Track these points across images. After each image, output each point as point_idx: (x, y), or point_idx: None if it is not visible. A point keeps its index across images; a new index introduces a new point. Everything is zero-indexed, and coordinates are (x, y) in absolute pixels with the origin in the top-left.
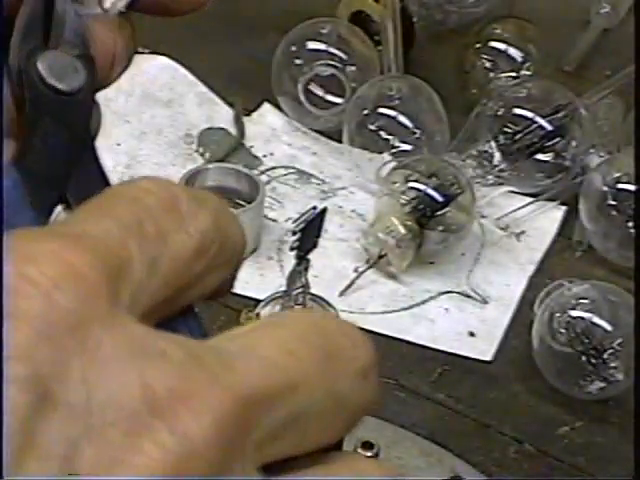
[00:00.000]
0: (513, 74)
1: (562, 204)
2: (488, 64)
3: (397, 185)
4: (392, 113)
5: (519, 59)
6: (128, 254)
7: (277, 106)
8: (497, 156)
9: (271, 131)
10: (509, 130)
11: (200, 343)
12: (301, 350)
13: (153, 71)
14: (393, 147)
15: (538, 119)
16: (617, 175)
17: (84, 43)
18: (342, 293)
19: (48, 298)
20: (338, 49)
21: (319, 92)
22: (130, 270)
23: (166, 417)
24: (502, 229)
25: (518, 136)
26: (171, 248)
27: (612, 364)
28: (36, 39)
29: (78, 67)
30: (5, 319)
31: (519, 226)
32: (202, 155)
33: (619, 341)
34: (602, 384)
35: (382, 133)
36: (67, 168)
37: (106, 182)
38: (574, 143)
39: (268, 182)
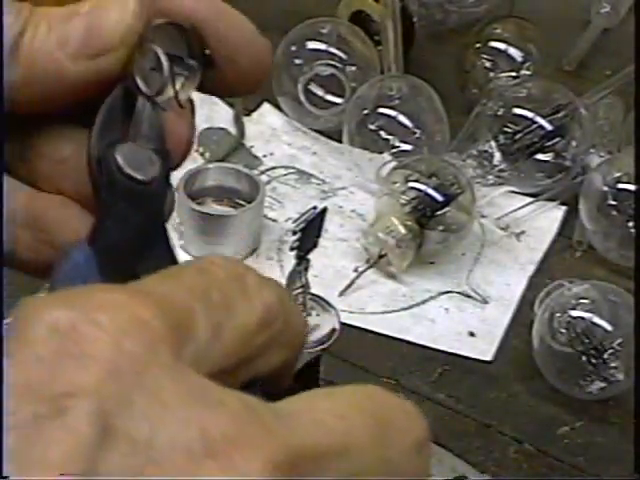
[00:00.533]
0: (513, 74)
1: (562, 204)
2: (488, 64)
3: (397, 185)
4: (392, 113)
5: (519, 59)
6: (192, 314)
7: (277, 106)
8: (497, 156)
9: (271, 131)
10: (509, 130)
11: (258, 400)
12: (355, 417)
13: None
14: (393, 147)
15: (538, 119)
16: (617, 175)
17: (160, 137)
18: (342, 293)
19: (116, 343)
20: (338, 49)
21: (319, 92)
22: (194, 330)
23: (220, 459)
24: (502, 229)
25: (518, 136)
26: (236, 316)
27: (612, 364)
28: (115, 131)
29: (154, 159)
30: (73, 359)
31: (519, 226)
32: (202, 155)
33: (619, 341)
34: (602, 384)
35: (382, 133)
36: (139, 248)
37: (174, 261)
38: (574, 143)
39: (268, 182)
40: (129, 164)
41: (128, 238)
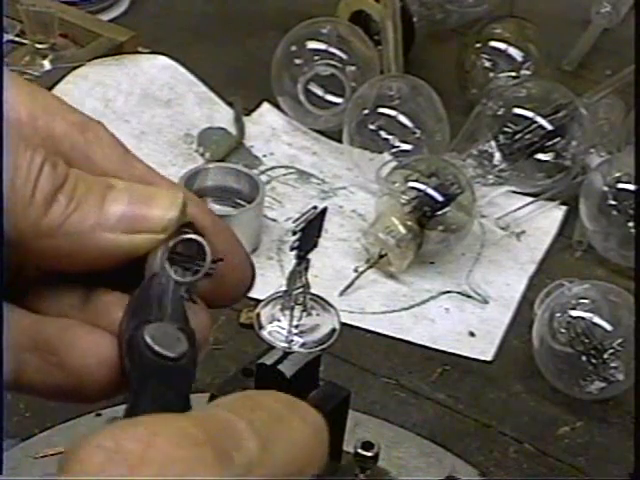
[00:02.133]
0: (513, 74)
1: (562, 204)
2: (488, 64)
3: (397, 185)
4: (392, 113)
5: (519, 59)
6: (237, 427)
7: (277, 106)
8: (497, 156)
9: (271, 131)
10: (509, 130)
11: None
12: None
13: (153, 71)
14: (393, 147)
15: (538, 119)
16: (617, 175)
17: (184, 318)
18: (342, 293)
19: (163, 450)
20: (338, 49)
21: (319, 92)
22: (240, 440)
23: None
24: (502, 229)
25: (518, 136)
26: (287, 431)
27: (612, 364)
28: (143, 314)
29: (180, 337)
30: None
31: (519, 226)
32: (202, 155)
33: (619, 341)
34: (602, 384)
35: (382, 133)
36: None
37: None
38: (574, 143)
39: (268, 182)
40: (158, 342)
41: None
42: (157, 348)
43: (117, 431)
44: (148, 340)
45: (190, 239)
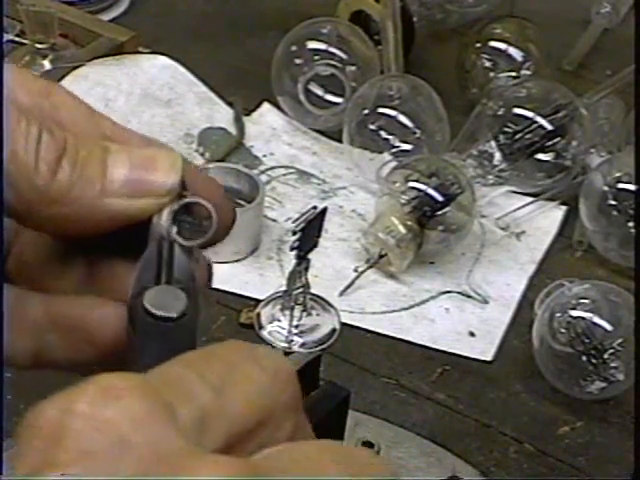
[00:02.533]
0: (513, 74)
1: (562, 204)
2: (488, 64)
3: (397, 185)
4: (392, 113)
5: (519, 59)
6: (186, 381)
7: (277, 106)
8: (497, 156)
9: (271, 131)
10: (509, 130)
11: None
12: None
13: (153, 71)
14: (393, 147)
15: (538, 119)
16: (617, 175)
17: (191, 279)
18: (342, 293)
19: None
20: (338, 49)
21: (319, 92)
22: (191, 395)
23: None
24: (502, 229)
25: (518, 136)
26: (243, 379)
27: (612, 364)
28: (146, 281)
29: (180, 296)
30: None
31: (519, 226)
32: (202, 155)
33: (619, 341)
34: (602, 384)
35: (382, 133)
36: None
37: None
38: (574, 143)
39: (268, 182)
40: (156, 305)
41: None
42: (154, 311)
43: (70, 392)
44: (146, 304)
45: (193, 202)
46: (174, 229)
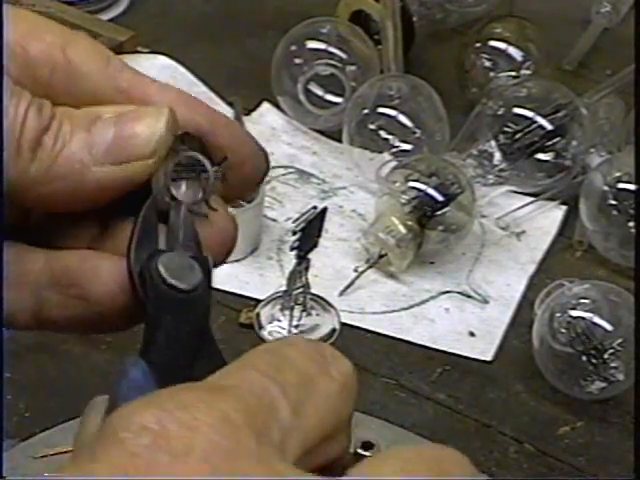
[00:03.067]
0: (513, 73)
1: (562, 204)
2: (488, 63)
3: (397, 185)
4: (392, 112)
5: (519, 58)
6: (271, 397)
7: (277, 106)
8: (497, 155)
9: (271, 131)
10: (509, 129)
11: None
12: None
13: (153, 71)
14: (393, 147)
15: (538, 118)
16: (618, 175)
17: (197, 243)
18: (342, 293)
19: (206, 438)
20: (338, 48)
21: (319, 91)
22: (275, 411)
23: None
24: (502, 229)
25: (518, 135)
26: (316, 390)
27: (612, 364)
28: (152, 243)
29: (194, 267)
30: (166, 453)
31: (519, 226)
32: None
33: (619, 341)
34: (603, 384)
35: (382, 133)
36: (190, 358)
37: (223, 358)
38: (574, 143)
39: (268, 182)
40: (171, 274)
41: (180, 348)
42: (171, 280)
43: (161, 413)
44: (162, 272)
45: (187, 156)
46: (173, 187)
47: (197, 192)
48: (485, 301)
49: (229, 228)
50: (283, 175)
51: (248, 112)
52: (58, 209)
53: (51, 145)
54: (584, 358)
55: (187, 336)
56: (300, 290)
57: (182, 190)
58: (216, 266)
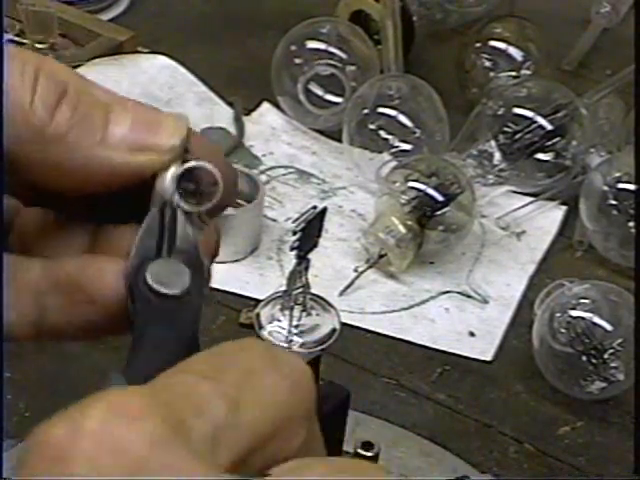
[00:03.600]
0: (513, 73)
1: (562, 204)
2: (488, 63)
3: (397, 185)
4: (392, 112)
5: (519, 58)
6: (200, 397)
7: (277, 106)
8: (497, 155)
9: (271, 130)
10: (509, 129)
11: None
12: None
13: (153, 71)
14: (393, 147)
15: (538, 119)
16: (617, 175)
17: (195, 249)
18: (342, 293)
19: (92, 439)
20: (338, 48)
21: (319, 91)
22: (204, 411)
23: None
24: (502, 229)
25: (518, 135)
26: (259, 389)
27: (612, 364)
28: (148, 251)
29: (184, 272)
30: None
31: (519, 226)
32: None
33: (619, 341)
34: (603, 384)
35: (382, 132)
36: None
37: None
38: (574, 143)
39: (268, 182)
40: (158, 280)
41: (166, 359)
42: (156, 286)
43: (79, 408)
44: (148, 278)
45: (198, 167)
46: (177, 195)
47: (201, 202)
48: (485, 301)
49: (216, 239)
50: (283, 175)
51: (248, 112)
52: (59, 184)
53: (70, 113)
54: (584, 358)
55: (174, 345)
56: (300, 290)
57: (187, 198)
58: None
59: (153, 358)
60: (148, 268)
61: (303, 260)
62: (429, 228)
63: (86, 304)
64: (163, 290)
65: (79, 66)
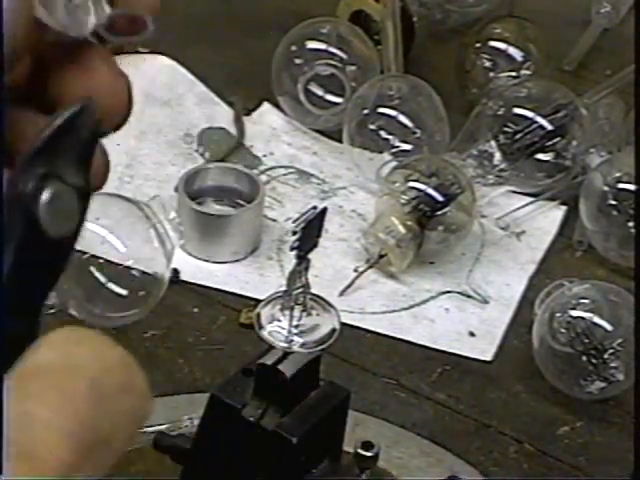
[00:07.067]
0: (513, 74)
1: (562, 204)
2: (488, 64)
3: (397, 185)
4: (392, 113)
5: (519, 59)
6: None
7: (277, 106)
8: (497, 156)
9: (271, 131)
10: (509, 130)
11: None
12: None
13: (153, 71)
14: (393, 147)
15: (538, 119)
16: (617, 175)
17: (87, 163)
18: (342, 293)
19: None
20: (338, 49)
21: (319, 92)
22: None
23: None
24: (502, 229)
25: (518, 136)
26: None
27: (612, 364)
28: (46, 161)
29: (73, 209)
30: None
31: (519, 226)
32: (202, 155)
33: (619, 341)
34: (602, 384)
35: (382, 133)
36: (26, 305)
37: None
38: (574, 143)
39: (268, 182)
40: (50, 213)
41: (16, 304)
42: (48, 226)
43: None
44: (41, 209)
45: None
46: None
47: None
48: (485, 301)
49: (119, 83)
50: (283, 175)
51: (248, 112)
52: None
53: None
54: (584, 358)
55: (34, 286)
56: (300, 290)
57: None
58: (105, 134)
59: (11, 296)
60: (44, 193)
61: (303, 260)
62: (429, 228)
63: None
64: (54, 232)
65: None
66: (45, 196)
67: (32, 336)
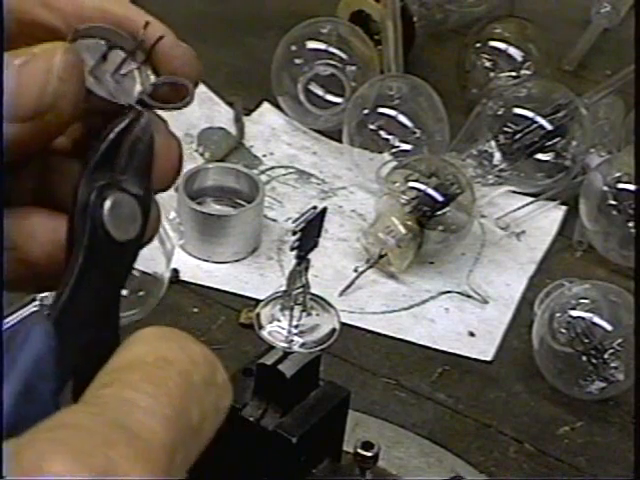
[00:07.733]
0: (513, 74)
1: (562, 204)
2: (488, 64)
3: (397, 185)
4: (392, 113)
5: (519, 59)
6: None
7: (277, 106)
8: (497, 156)
9: (271, 131)
10: (509, 130)
11: None
12: None
13: None
14: (393, 147)
15: (538, 119)
16: (617, 175)
17: (148, 176)
18: (342, 293)
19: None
20: (338, 49)
21: (319, 92)
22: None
23: None
24: (502, 229)
25: (518, 136)
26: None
27: (612, 364)
28: (106, 174)
29: (137, 214)
30: None
31: (519, 226)
32: (202, 155)
33: (619, 341)
34: (602, 384)
35: (382, 133)
36: (99, 318)
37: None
38: (574, 143)
39: (268, 182)
40: (115, 219)
41: (97, 308)
42: (110, 228)
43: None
44: (105, 215)
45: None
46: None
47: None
48: (485, 301)
49: (174, 146)
50: (283, 175)
51: (248, 112)
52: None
53: None
54: (584, 358)
55: (109, 291)
56: (300, 290)
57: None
58: (161, 191)
59: (86, 303)
60: (105, 202)
61: (303, 260)
62: (429, 228)
63: (19, 262)
64: (116, 234)
65: None
66: (107, 204)
67: (117, 341)
